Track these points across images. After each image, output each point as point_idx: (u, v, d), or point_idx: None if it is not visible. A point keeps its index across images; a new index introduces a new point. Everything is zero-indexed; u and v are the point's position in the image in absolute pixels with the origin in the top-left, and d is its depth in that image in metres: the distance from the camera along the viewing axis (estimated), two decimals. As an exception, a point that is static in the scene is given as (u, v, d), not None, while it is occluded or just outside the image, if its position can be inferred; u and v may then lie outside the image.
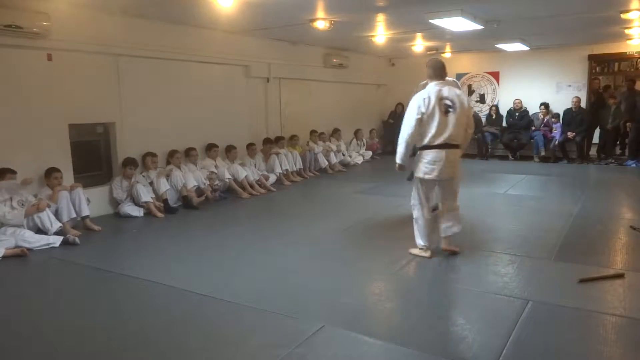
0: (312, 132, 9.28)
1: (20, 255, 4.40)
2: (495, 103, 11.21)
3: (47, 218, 4.81)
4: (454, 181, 4.10)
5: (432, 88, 3.90)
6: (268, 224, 5.55)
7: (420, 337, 2.80)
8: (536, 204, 6.34)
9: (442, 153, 3.87)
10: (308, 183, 8.24)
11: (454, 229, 4.21)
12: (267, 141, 8.11)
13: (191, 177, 6.44)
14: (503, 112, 10.87)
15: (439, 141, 3.85)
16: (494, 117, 10.84)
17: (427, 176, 3.95)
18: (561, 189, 7.47)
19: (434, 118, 3.84)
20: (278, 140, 8.39)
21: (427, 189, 4.08)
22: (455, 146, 3.92)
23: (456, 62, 11.43)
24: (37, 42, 5.18)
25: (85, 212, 5.27)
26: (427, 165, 3.91)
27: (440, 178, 3.96)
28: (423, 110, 3.83)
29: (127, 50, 6.08)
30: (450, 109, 3.83)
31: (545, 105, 10.25)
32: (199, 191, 6.54)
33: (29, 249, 4.52)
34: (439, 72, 3.95)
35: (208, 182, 6.69)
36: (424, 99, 3.86)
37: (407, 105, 4.07)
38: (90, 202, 5.42)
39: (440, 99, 3.83)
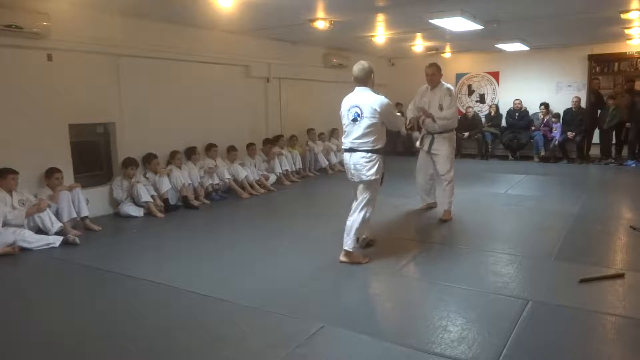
0: (309, 130, 9.26)
1: (11, 254, 4.38)
2: (495, 103, 11.21)
3: (47, 218, 4.81)
4: (361, 186, 4.05)
5: (351, 94, 4.09)
6: (268, 224, 5.55)
7: (420, 337, 2.80)
8: (536, 204, 6.34)
9: (347, 156, 4.05)
10: (308, 183, 8.24)
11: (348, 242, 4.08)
12: (267, 141, 8.10)
13: (188, 176, 6.48)
14: (503, 112, 10.88)
15: (346, 146, 4.04)
16: (492, 114, 10.84)
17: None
18: (561, 189, 7.47)
19: (344, 123, 4.08)
20: (277, 139, 8.39)
21: (352, 188, 4.21)
22: (359, 150, 3.95)
23: (456, 62, 11.45)
24: (37, 42, 5.17)
25: (84, 212, 5.27)
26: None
27: (351, 180, 4.10)
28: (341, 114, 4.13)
29: (127, 50, 6.08)
30: (358, 118, 3.92)
31: (545, 105, 10.25)
32: (197, 193, 6.54)
33: (29, 249, 4.52)
34: (356, 76, 4.02)
35: (209, 180, 6.69)
36: (343, 105, 4.11)
37: (406, 106, 4.17)
38: (89, 202, 5.41)
39: (350, 106, 3.99)
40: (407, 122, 5.40)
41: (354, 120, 3.94)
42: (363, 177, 3.96)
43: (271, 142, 8.13)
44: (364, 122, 3.90)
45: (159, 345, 2.81)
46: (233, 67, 7.84)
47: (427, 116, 5.27)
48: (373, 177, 3.95)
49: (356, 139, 3.94)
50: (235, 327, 3.02)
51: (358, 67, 4.01)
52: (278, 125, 8.88)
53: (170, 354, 2.71)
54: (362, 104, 3.92)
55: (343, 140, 4.10)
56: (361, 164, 3.94)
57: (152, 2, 5.53)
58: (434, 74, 5.33)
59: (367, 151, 3.94)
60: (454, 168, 5.48)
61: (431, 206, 5.82)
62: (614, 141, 9.82)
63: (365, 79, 4.01)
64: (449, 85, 5.41)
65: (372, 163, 3.94)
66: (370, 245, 4.44)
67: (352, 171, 4.01)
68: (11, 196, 4.78)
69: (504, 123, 10.80)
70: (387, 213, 5.22)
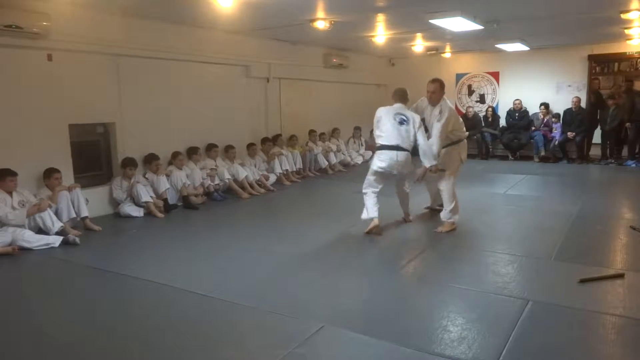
0: (311, 131, 9.28)
1: (10, 254, 4.39)
2: (494, 104, 11.20)
3: (48, 218, 4.81)
4: (400, 177, 5.12)
5: (391, 106, 4.99)
6: (268, 224, 5.55)
7: (420, 337, 2.80)
8: (536, 204, 6.34)
9: (393, 153, 4.83)
10: (308, 183, 8.24)
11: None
12: (265, 140, 8.10)
13: (191, 176, 6.50)
14: (503, 112, 10.87)
15: (391, 143, 4.83)
16: (490, 119, 10.80)
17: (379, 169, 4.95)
18: (561, 189, 7.47)
19: (383, 126, 4.88)
20: (276, 138, 8.39)
21: (381, 178, 5.02)
22: (405, 150, 4.83)
23: (456, 62, 11.45)
24: (37, 42, 5.17)
25: (84, 212, 5.27)
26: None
27: (388, 172, 4.95)
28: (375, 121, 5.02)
29: (127, 50, 6.08)
30: (405, 123, 4.82)
31: (545, 105, 10.25)
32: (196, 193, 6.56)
33: (28, 249, 4.53)
34: (398, 95, 5.02)
35: (209, 182, 6.70)
36: (381, 112, 4.97)
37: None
38: (88, 202, 5.41)
39: (394, 113, 4.87)
40: None
41: (401, 123, 4.81)
42: (404, 170, 4.94)
43: (270, 141, 8.13)
44: (410, 129, 4.81)
45: (159, 345, 2.81)
46: (233, 67, 7.84)
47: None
48: (409, 170, 5.02)
49: (402, 140, 4.80)
50: (235, 327, 3.03)
51: (402, 88, 5.09)
52: (278, 125, 8.88)
53: (170, 354, 2.71)
54: (407, 115, 4.87)
55: (383, 140, 4.86)
56: (406, 161, 4.85)
57: (152, 2, 5.53)
58: (435, 91, 4.89)
59: (408, 151, 4.88)
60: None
61: (439, 208, 5.81)
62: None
63: (404, 98, 5.02)
64: (444, 106, 4.90)
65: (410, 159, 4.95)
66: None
67: (396, 165, 4.84)
68: (11, 197, 4.78)
69: (503, 123, 10.79)
70: (388, 213, 5.22)
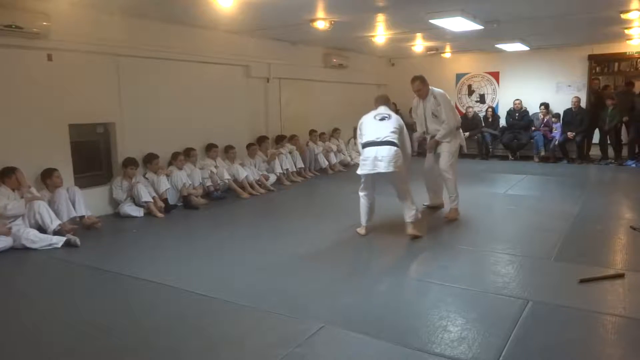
0: (312, 131, 9.28)
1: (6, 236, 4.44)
2: (494, 104, 11.20)
3: (47, 215, 4.81)
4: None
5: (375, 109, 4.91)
6: (268, 224, 5.55)
7: (420, 337, 2.80)
8: (536, 204, 6.34)
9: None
10: (308, 183, 8.24)
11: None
12: (264, 138, 8.09)
13: (191, 176, 6.50)
14: (503, 112, 10.86)
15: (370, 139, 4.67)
16: (490, 119, 10.79)
17: None
18: (561, 189, 7.46)
19: (366, 130, 4.78)
20: (280, 139, 8.40)
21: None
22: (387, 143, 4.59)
23: (456, 62, 11.45)
24: (37, 42, 5.17)
25: (83, 212, 5.29)
26: None
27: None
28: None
29: (127, 50, 6.08)
30: (386, 118, 4.68)
31: (545, 105, 10.24)
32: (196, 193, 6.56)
33: (31, 249, 4.53)
34: (382, 99, 4.96)
35: (209, 182, 6.71)
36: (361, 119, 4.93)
37: (400, 105, 4.42)
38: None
39: (377, 113, 4.78)
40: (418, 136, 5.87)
41: (382, 119, 4.66)
42: (390, 167, 4.49)
43: (268, 140, 8.13)
44: (392, 122, 4.64)
45: (158, 345, 2.81)
46: (233, 67, 7.83)
47: (436, 144, 5.46)
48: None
49: (381, 134, 4.54)
50: (235, 327, 3.02)
51: (384, 94, 5.15)
52: (278, 125, 8.88)
53: (170, 353, 2.71)
54: (389, 113, 4.75)
55: (364, 139, 4.63)
56: (390, 155, 4.46)
57: (152, 2, 5.52)
58: (420, 89, 5.34)
59: (393, 145, 4.55)
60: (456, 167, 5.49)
61: (438, 206, 5.84)
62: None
63: (388, 101, 4.96)
64: (438, 91, 5.37)
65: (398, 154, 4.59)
66: None
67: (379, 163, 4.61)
68: (14, 193, 4.79)
69: (503, 123, 10.78)
70: (388, 213, 5.23)
